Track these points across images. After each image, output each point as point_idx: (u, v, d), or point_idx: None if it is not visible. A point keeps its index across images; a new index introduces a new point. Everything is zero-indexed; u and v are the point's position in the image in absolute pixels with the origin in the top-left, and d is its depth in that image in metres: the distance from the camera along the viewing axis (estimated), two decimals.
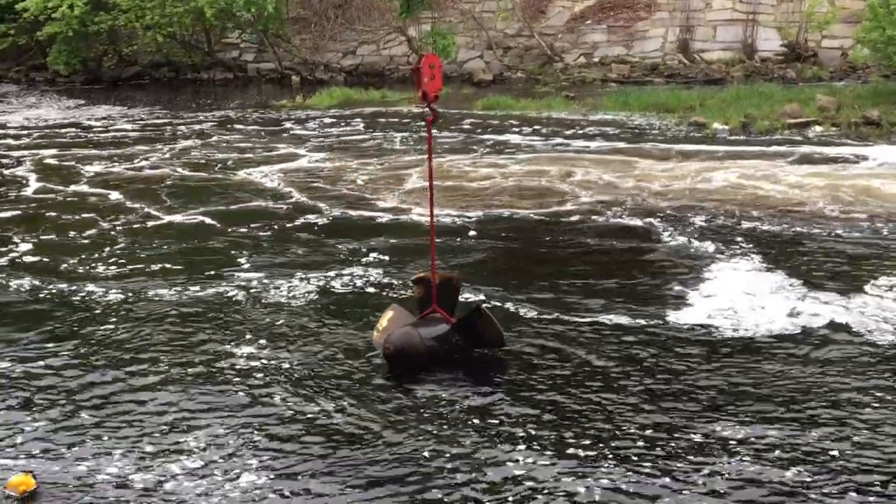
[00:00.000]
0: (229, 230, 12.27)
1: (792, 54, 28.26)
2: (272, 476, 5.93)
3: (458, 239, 11.39)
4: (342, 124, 22.48)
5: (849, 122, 18.87)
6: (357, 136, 20.53)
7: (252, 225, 12.49)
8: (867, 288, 9.07)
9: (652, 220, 12.18)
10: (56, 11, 32.84)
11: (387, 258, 10.68)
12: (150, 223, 12.87)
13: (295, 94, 28.56)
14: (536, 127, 20.63)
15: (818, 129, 18.82)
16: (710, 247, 10.77)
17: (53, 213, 13.67)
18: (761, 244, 10.80)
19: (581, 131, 19.83)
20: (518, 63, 31.92)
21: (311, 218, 12.90)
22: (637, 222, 12.14)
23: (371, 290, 9.57)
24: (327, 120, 23.23)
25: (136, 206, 14.00)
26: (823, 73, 26.84)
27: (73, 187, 15.69)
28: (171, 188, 15.37)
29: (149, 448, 6.33)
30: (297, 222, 12.66)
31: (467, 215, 12.64)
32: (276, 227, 12.42)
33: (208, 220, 12.93)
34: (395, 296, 9.18)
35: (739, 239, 11.04)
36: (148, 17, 33.05)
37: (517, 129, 20.36)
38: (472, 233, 11.75)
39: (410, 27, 32.48)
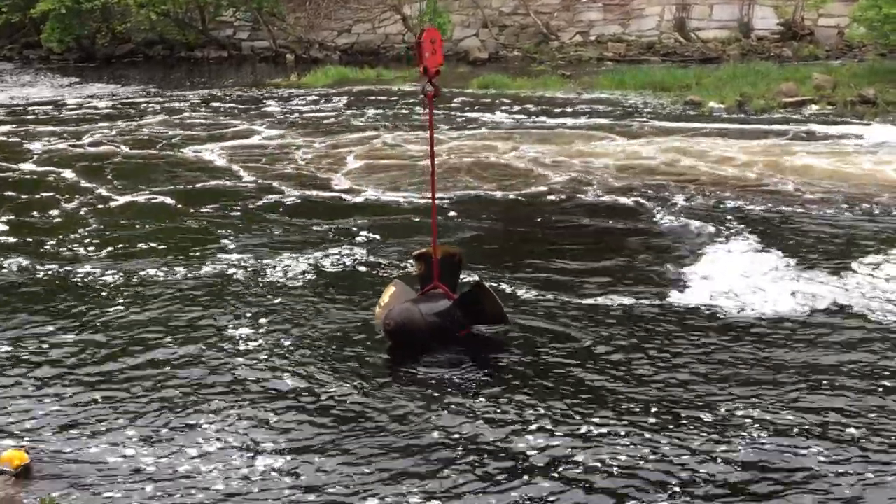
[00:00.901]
0: (192, 210, 12.22)
1: (788, 33, 28.15)
2: (287, 458, 5.90)
3: (440, 218, 11.31)
4: (323, 102, 22.30)
5: (845, 100, 18.84)
6: (325, 114, 20.38)
7: (215, 205, 12.43)
8: (859, 267, 9.05)
9: (636, 198, 12.14)
10: None
11: (366, 238, 10.64)
12: (112, 203, 12.81)
13: (290, 72, 28.39)
14: (527, 106, 20.49)
15: (814, 107, 18.78)
16: (697, 226, 10.74)
17: (12, 193, 13.61)
18: (749, 224, 10.76)
19: (571, 110, 19.74)
20: (514, 41, 31.76)
21: (274, 198, 12.83)
22: (623, 200, 12.09)
23: (362, 268, 9.55)
24: (311, 98, 23.02)
25: (92, 185, 13.93)
26: (820, 51, 26.73)
27: (22, 165, 15.66)
28: (119, 166, 15.35)
29: (161, 430, 6.28)
30: (261, 202, 12.60)
31: (439, 195, 12.50)
32: (240, 207, 12.35)
33: (169, 200, 12.88)
34: (385, 275, 9.16)
35: (730, 218, 11.01)
36: None
37: (506, 108, 20.22)
38: (451, 213, 11.67)
39: (406, 5, 32.28)
